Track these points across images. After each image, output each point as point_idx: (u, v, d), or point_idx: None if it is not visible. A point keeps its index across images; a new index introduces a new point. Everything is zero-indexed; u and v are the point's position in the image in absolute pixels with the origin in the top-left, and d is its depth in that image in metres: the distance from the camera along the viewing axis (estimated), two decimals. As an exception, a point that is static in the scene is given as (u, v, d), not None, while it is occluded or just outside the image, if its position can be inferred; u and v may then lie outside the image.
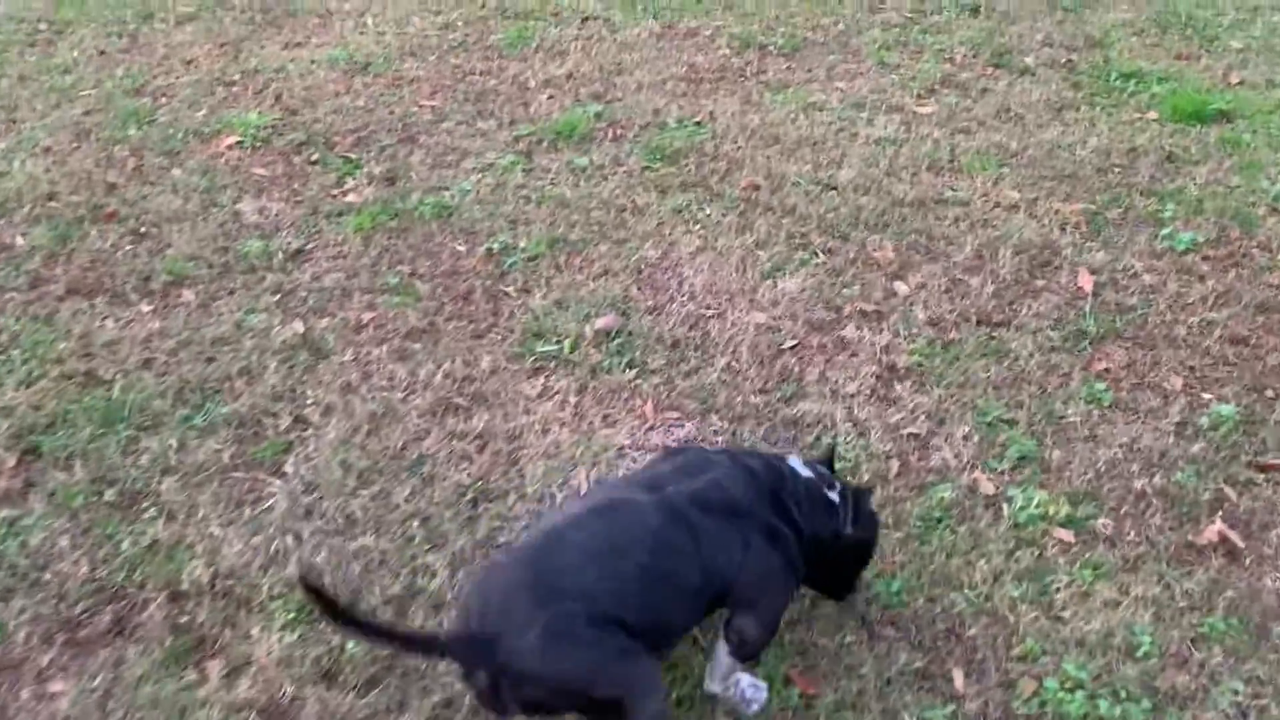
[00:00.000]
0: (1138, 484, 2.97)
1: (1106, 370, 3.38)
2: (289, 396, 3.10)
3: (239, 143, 4.30)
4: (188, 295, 3.47)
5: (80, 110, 4.50)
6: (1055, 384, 3.32)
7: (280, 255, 3.67)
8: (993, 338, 3.49)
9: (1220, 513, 2.89)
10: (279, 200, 3.97)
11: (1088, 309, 3.61)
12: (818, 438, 3.07)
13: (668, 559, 2.13)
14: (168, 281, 3.52)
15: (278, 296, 3.48)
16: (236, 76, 4.81)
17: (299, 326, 3.34)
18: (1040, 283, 3.75)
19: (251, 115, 4.46)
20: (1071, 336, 3.50)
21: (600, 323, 3.43)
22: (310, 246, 3.74)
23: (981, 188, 4.26)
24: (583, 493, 2.73)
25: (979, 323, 3.56)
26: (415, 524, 2.73)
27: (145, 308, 3.42)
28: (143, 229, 3.77)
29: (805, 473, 2.41)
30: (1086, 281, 3.75)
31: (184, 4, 5.54)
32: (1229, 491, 2.95)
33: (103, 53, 5.00)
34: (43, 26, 5.28)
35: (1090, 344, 3.48)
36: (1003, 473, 3.00)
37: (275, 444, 2.95)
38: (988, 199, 4.20)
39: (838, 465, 2.66)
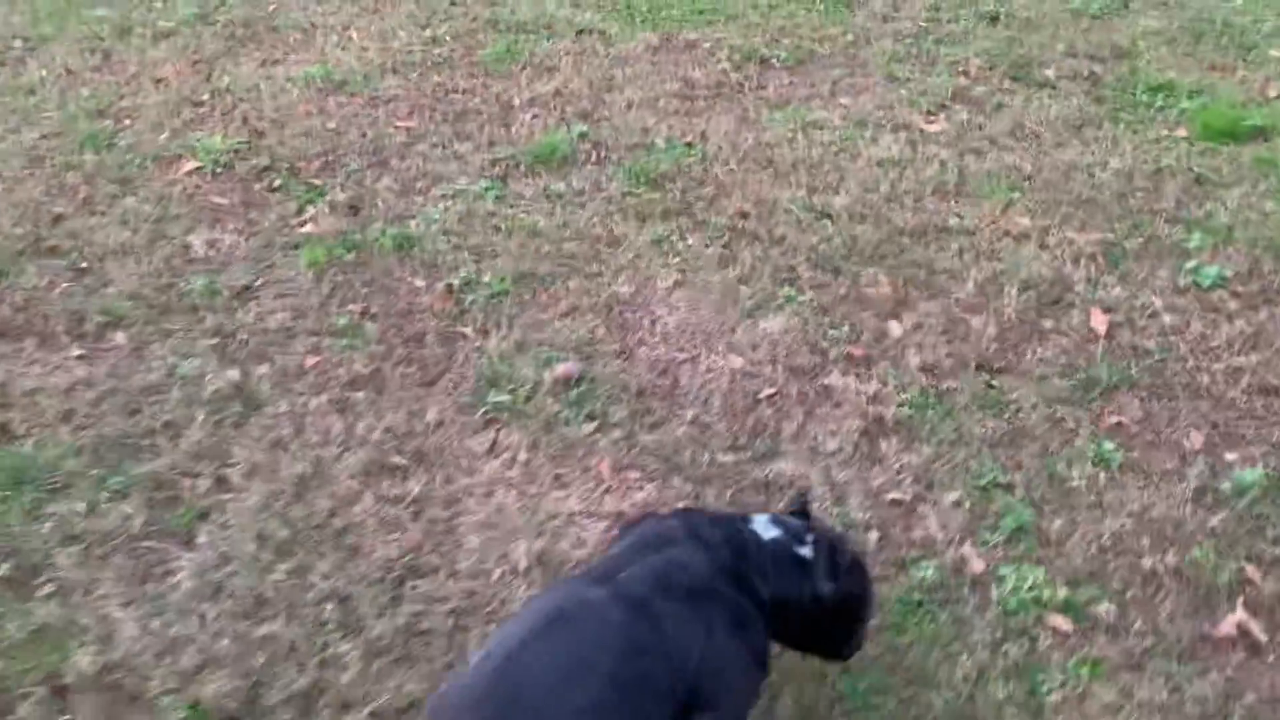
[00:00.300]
0: (1147, 562, 2.65)
1: (1118, 425, 3.05)
2: (213, 454, 2.86)
3: (199, 168, 4.08)
4: (121, 338, 3.24)
5: (38, 134, 4.29)
6: (1060, 441, 2.99)
7: (226, 293, 3.43)
8: (992, 387, 3.17)
9: (1241, 598, 2.56)
10: (232, 232, 3.74)
11: (1100, 354, 3.28)
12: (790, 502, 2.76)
13: (637, 662, 1.82)
14: (102, 322, 3.30)
15: (216, 340, 3.24)
16: (206, 96, 4.59)
17: (234, 374, 3.10)
18: (1048, 323, 3.43)
19: (216, 139, 4.23)
20: (1080, 386, 3.18)
21: (560, 370, 3.16)
22: (259, 283, 3.49)
23: (990, 215, 3.94)
24: (529, 602, 2.43)
25: (978, 369, 3.24)
26: (331, 606, 2.47)
27: (75, 352, 3.19)
28: (84, 264, 3.55)
29: (770, 533, 2.12)
30: (1100, 322, 3.42)
31: (164, 19, 5.33)
32: (1252, 572, 2.62)
33: (71, 71, 4.80)
34: (17, 44, 5.10)
35: (1101, 394, 3.15)
36: (995, 547, 2.69)
37: (192, 509, 2.71)
38: (996, 227, 3.87)
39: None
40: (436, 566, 2.59)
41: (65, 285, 3.45)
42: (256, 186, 4.00)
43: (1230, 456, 2.96)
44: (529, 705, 1.71)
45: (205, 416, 2.96)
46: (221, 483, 2.78)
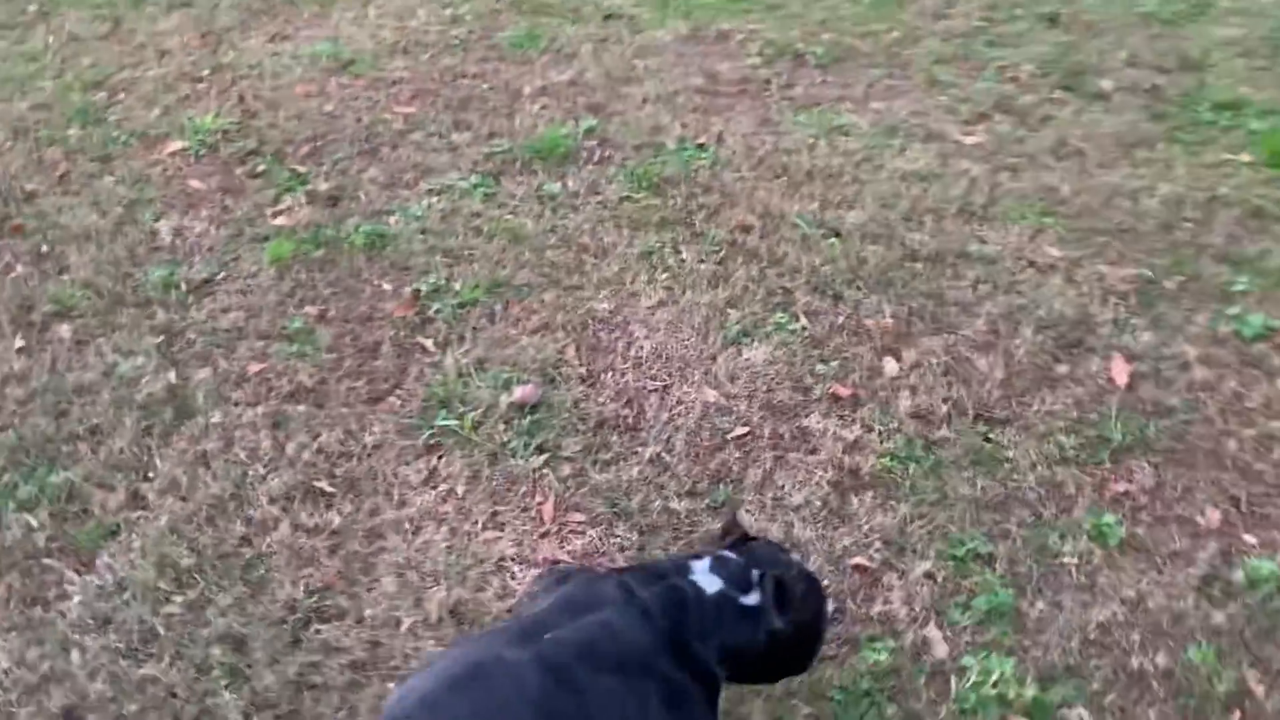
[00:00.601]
0: (1135, 661, 2.34)
1: (1124, 494, 2.73)
2: (134, 465, 2.69)
3: (184, 149, 3.92)
4: (65, 331, 3.09)
5: (29, 104, 4.18)
6: (1056, 509, 2.69)
7: (183, 286, 3.26)
8: (989, 440, 2.87)
9: (1239, 713, 2.25)
10: (204, 219, 3.57)
11: (1115, 408, 2.96)
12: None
13: None
14: (50, 312, 3.16)
15: (162, 338, 3.07)
16: (207, 72, 4.43)
17: (172, 377, 2.93)
18: (1063, 369, 3.11)
19: (207, 118, 4.07)
20: (1088, 445, 2.86)
21: (517, 393, 2.93)
22: (220, 277, 3.32)
23: (1016, 241, 3.60)
24: (441, 653, 2.22)
25: (976, 418, 2.94)
26: (222, 648, 2.29)
27: (18, 343, 3.06)
28: (46, 247, 3.42)
29: (714, 585, 1.90)
30: (1121, 371, 3.09)
31: (183, -14, 5.19)
32: (1254, 683, 2.30)
33: (77, 39, 4.68)
34: (32, 8, 5.00)
35: (1111, 457, 2.83)
36: (964, 629, 2.41)
37: (100, 526, 2.55)
38: (1020, 256, 3.54)
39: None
40: (344, 610, 2.39)
41: (21, 270, 3.32)
42: (238, 171, 3.83)
43: (1249, 540, 2.63)
44: None
45: (134, 422, 2.80)
46: (136, 498, 2.61)
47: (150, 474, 2.67)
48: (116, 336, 3.07)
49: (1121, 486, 2.75)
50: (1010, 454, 2.83)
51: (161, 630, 2.32)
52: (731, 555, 1.99)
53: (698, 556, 1.99)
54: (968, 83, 4.61)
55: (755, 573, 1.93)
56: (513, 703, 1.63)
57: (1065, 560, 2.56)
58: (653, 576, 1.91)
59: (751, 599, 1.89)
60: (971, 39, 5.00)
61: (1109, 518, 2.65)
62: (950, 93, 4.53)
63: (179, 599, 2.38)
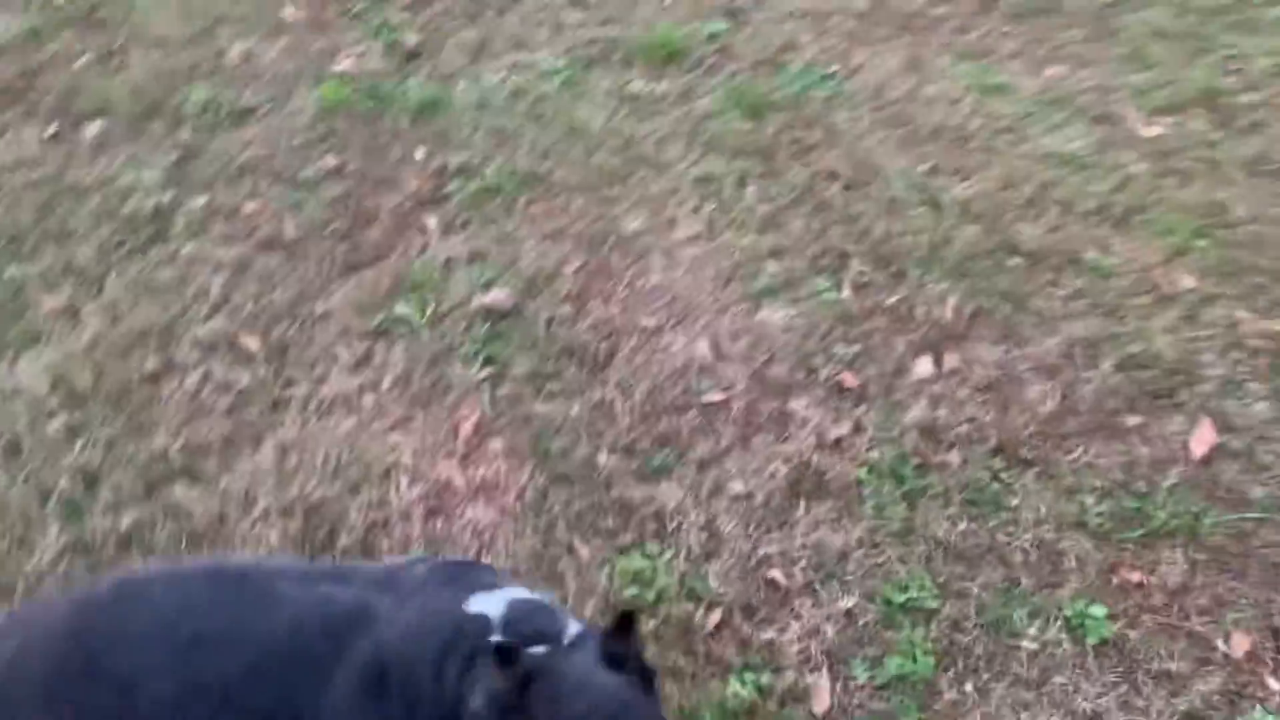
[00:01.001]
0: (1049, 790, 1.91)
1: (1136, 585, 2.23)
2: (87, 277, 2.64)
3: (295, -26, 3.80)
4: (92, 130, 3.06)
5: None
6: (1039, 581, 2.22)
7: (223, 111, 3.17)
8: (998, 479, 2.41)
9: None
10: (278, 49, 3.45)
11: (1172, 482, 2.41)
12: (639, 541, 2.21)
13: (257, 696, 1.48)
14: (88, 109, 3.13)
15: (176, 157, 2.99)
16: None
17: (166, 199, 2.84)
18: (1133, 420, 2.56)
19: (331, -52, 3.93)
20: (1119, 516, 2.35)
21: (490, 297, 2.68)
22: (263, 111, 3.20)
23: (1146, 258, 3.00)
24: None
25: (996, 451, 2.47)
26: (73, 480, 2.20)
27: (50, 130, 3.05)
28: (116, 45, 3.39)
29: (484, 607, 1.49)
30: (1203, 441, 2.52)
31: None
32: None
33: None
34: None
35: (1141, 539, 2.31)
36: (859, 688, 2.03)
37: (30, 330, 2.50)
38: (1143, 278, 2.94)
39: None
40: (212, 476, 2.25)
41: (85, 61, 3.31)
42: (334, 7, 3.68)
43: (1273, 685, 2.09)
44: (116, 653, 1.47)
45: (108, 234, 2.74)
46: (71, 310, 2.55)
47: (98, 290, 2.59)
48: (135, 145, 3.01)
49: (1136, 576, 2.24)
50: (1015, 502, 2.36)
51: (28, 447, 2.25)
52: (546, 601, 1.56)
53: (513, 584, 1.62)
54: (1179, 66, 3.88)
55: (542, 645, 1.42)
56: (254, 627, 1.50)
57: (1023, 644, 2.11)
58: (435, 587, 1.56)
59: (494, 641, 1.39)
60: (1210, 17, 4.20)
61: (1098, 609, 2.16)
62: (1152, 73, 3.82)
63: (59, 420, 2.31)
